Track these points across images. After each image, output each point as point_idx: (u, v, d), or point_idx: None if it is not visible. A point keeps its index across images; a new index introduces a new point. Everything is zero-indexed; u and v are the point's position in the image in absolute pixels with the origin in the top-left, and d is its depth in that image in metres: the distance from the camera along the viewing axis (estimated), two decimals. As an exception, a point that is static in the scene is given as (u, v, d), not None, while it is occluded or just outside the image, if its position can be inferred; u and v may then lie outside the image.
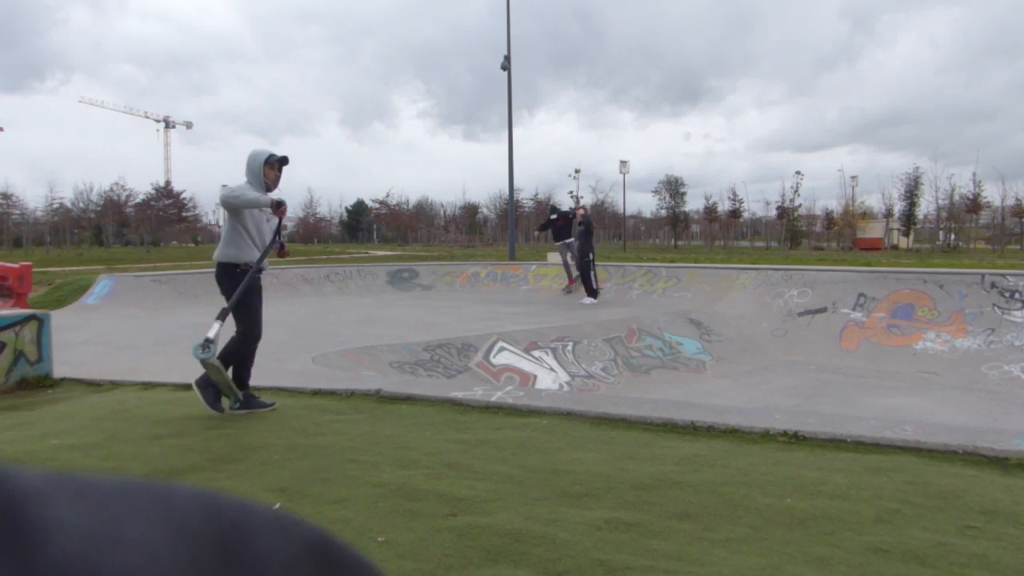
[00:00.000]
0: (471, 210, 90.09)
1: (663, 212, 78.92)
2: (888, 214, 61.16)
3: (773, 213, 70.27)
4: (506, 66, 27.10)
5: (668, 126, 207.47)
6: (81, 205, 73.15)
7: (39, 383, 6.81)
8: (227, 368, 5.05)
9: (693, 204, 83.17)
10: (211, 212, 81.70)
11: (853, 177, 64.90)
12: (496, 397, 5.33)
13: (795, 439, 4.26)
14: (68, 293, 16.62)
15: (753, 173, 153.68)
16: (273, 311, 15.12)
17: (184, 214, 79.61)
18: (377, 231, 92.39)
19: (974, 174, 67.72)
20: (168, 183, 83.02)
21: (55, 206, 73.15)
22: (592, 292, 14.49)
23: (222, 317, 5.03)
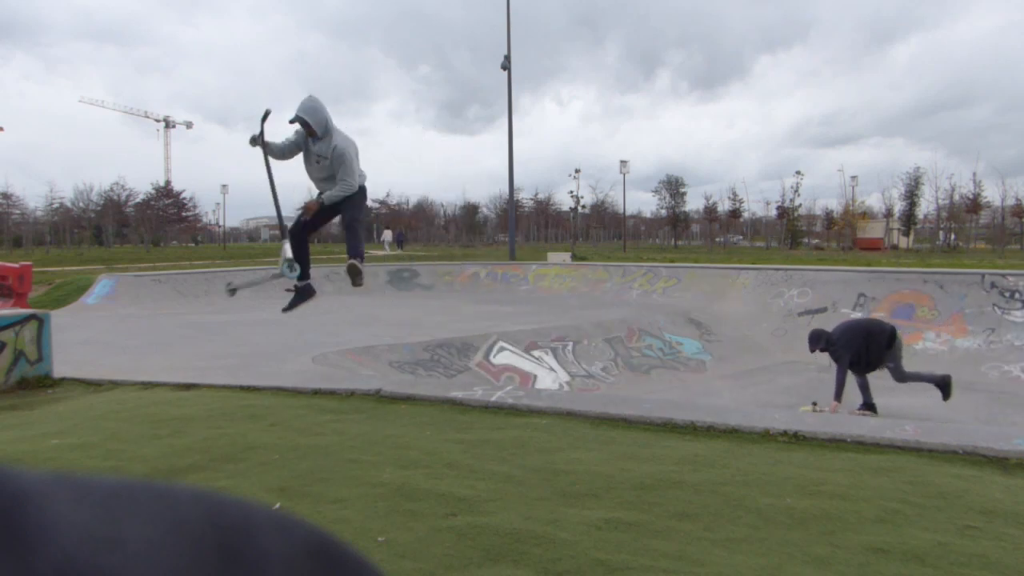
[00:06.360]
0: (471, 210, 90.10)
1: (663, 212, 78.87)
2: (888, 214, 61.17)
3: (773, 213, 70.32)
4: (506, 66, 27.12)
5: (685, 115, 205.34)
6: (81, 205, 73.15)
7: (39, 383, 6.80)
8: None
9: (693, 204, 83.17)
10: (211, 212, 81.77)
11: (853, 177, 64.90)
12: (496, 397, 5.33)
13: (795, 439, 4.26)
14: (68, 293, 16.62)
15: (768, 168, 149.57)
16: (273, 311, 15.13)
17: (184, 214, 79.54)
18: (377, 231, 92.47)
19: (974, 174, 67.75)
20: (168, 183, 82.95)
21: (55, 206, 73.17)
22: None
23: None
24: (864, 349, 8.13)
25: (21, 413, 5.69)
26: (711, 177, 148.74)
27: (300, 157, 5.56)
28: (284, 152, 5.53)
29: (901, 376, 8.27)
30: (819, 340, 8.37)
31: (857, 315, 12.97)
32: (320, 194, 5.53)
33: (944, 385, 8.30)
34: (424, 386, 6.18)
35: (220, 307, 15.63)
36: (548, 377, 10.58)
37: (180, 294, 17.20)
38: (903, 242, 60.01)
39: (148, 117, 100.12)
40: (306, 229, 5.84)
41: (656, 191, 78.11)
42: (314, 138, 5.38)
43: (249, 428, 4.72)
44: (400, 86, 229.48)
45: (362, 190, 5.73)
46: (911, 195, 61.73)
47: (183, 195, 79.39)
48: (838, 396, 8.16)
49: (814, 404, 8.33)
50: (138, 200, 75.89)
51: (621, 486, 3.47)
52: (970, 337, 11.84)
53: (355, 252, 5.84)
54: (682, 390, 10.61)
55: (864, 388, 8.45)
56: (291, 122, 5.40)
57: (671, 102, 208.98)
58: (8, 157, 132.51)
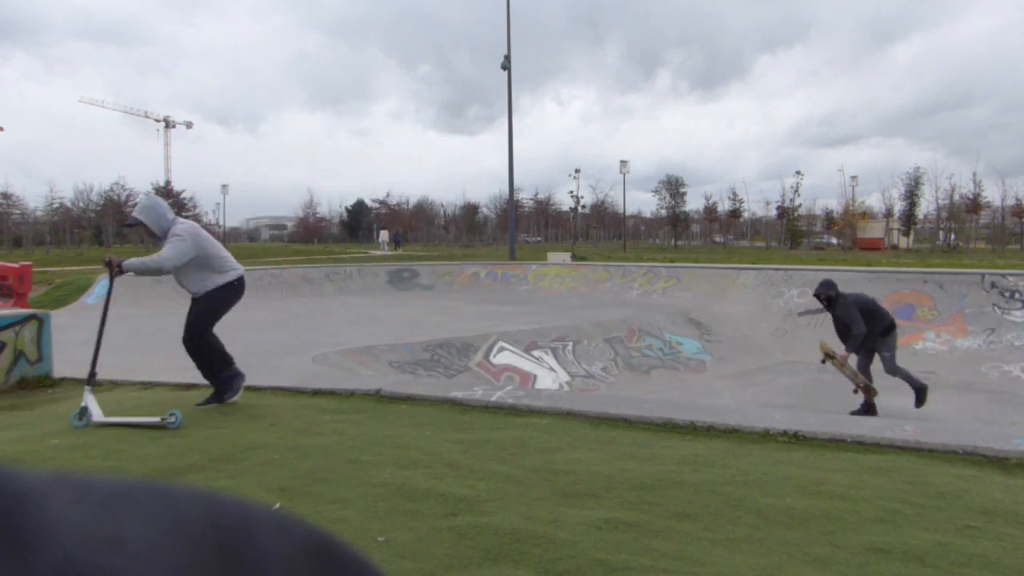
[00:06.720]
0: (471, 210, 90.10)
1: (663, 212, 78.93)
2: (888, 214, 61.20)
3: (773, 213, 70.37)
4: (506, 66, 27.12)
5: (685, 115, 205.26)
6: (81, 205, 73.17)
7: (39, 383, 6.80)
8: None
9: (693, 204, 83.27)
10: (211, 212, 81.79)
11: (853, 177, 65.00)
12: (496, 397, 5.33)
13: (795, 439, 4.26)
14: (68, 293, 16.62)
15: (768, 168, 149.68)
16: (273, 311, 15.13)
17: (184, 214, 79.55)
18: (377, 231, 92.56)
19: (974, 174, 67.93)
20: (168, 182, 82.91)
21: (55, 206, 73.19)
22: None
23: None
24: (867, 320, 8.28)
25: (21, 413, 5.69)
26: (711, 177, 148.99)
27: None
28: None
29: (892, 368, 8.40)
30: (830, 287, 8.49)
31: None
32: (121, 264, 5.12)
33: (921, 392, 8.42)
34: (424, 386, 6.18)
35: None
36: (548, 377, 10.58)
37: (180, 294, 17.12)
38: (903, 242, 60.06)
39: (148, 117, 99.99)
40: (205, 334, 5.60)
41: (656, 191, 78.24)
42: (156, 239, 5.24)
43: (249, 428, 4.72)
44: (400, 86, 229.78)
45: (218, 293, 5.41)
46: (911, 195, 61.80)
47: (183, 195, 79.43)
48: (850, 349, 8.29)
49: (828, 355, 8.35)
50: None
51: (621, 486, 3.47)
52: (970, 337, 11.84)
53: (219, 392, 5.34)
54: (682, 390, 10.61)
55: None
56: (129, 225, 5.25)
57: (671, 102, 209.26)
58: (8, 157, 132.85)
